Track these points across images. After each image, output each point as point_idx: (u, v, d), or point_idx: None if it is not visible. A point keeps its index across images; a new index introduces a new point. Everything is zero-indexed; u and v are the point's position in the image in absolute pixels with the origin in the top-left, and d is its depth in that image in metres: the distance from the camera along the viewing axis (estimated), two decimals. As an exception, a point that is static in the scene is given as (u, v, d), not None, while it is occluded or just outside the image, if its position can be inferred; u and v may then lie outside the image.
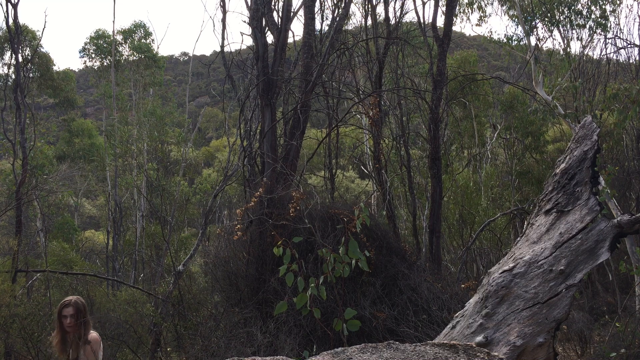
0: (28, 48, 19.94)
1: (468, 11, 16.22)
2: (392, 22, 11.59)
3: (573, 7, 13.76)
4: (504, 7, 15.85)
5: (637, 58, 14.31)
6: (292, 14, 9.41)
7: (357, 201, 12.55)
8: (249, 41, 13.23)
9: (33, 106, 20.52)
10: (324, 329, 5.98)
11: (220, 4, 10.17)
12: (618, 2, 13.92)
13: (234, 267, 7.77)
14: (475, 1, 16.12)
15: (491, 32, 56.20)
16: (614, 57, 14.31)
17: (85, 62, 24.33)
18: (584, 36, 14.55)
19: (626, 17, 38.22)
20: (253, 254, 7.55)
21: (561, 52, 15.02)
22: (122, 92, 22.86)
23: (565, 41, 14.76)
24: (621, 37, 13.69)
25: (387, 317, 6.64)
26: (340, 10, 10.25)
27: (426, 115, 11.00)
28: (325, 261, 3.40)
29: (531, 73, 12.49)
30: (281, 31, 9.04)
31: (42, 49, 22.20)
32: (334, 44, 9.53)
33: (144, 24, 23.64)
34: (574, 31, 14.46)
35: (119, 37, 23.49)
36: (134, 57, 23.45)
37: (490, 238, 13.76)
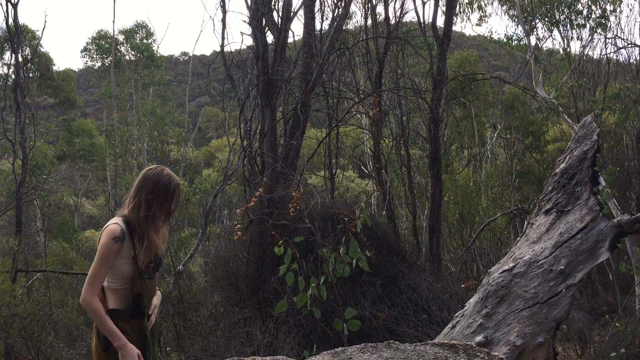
0: (28, 48, 19.94)
1: (468, 11, 16.21)
2: (392, 22, 11.59)
3: (573, 7, 13.74)
4: (504, 7, 15.84)
5: (638, 58, 14.32)
6: (292, 13, 9.41)
7: (357, 201, 12.54)
8: (249, 41, 13.24)
9: (33, 106, 20.52)
10: (324, 328, 5.98)
11: (220, 4, 10.19)
12: (618, 1, 13.91)
13: (234, 267, 7.76)
14: (475, 1, 16.10)
15: (491, 32, 56.16)
16: (614, 57, 14.32)
17: (87, 63, 24.37)
18: (584, 36, 14.56)
19: (627, 17, 38.46)
20: (253, 254, 7.55)
21: (561, 51, 15.02)
22: (123, 92, 22.85)
23: (566, 41, 14.77)
24: (622, 37, 13.70)
25: (387, 317, 6.64)
26: (340, 10, 10.25)
27: (426, 115, 10.99)
28: (326, 261, 3.40)
29: (531, 73, 12.49)
30: (281, 31, 9.04)
31: (42, 49, 22.19)
32: (334, 44, 9.52)
33: (146, 24, 23.62)
34: (574, 31, 14.45)
35: (121, 37, 23.49)
36: (132, 57, 23.42)
37: (490, 238, 13.74)
